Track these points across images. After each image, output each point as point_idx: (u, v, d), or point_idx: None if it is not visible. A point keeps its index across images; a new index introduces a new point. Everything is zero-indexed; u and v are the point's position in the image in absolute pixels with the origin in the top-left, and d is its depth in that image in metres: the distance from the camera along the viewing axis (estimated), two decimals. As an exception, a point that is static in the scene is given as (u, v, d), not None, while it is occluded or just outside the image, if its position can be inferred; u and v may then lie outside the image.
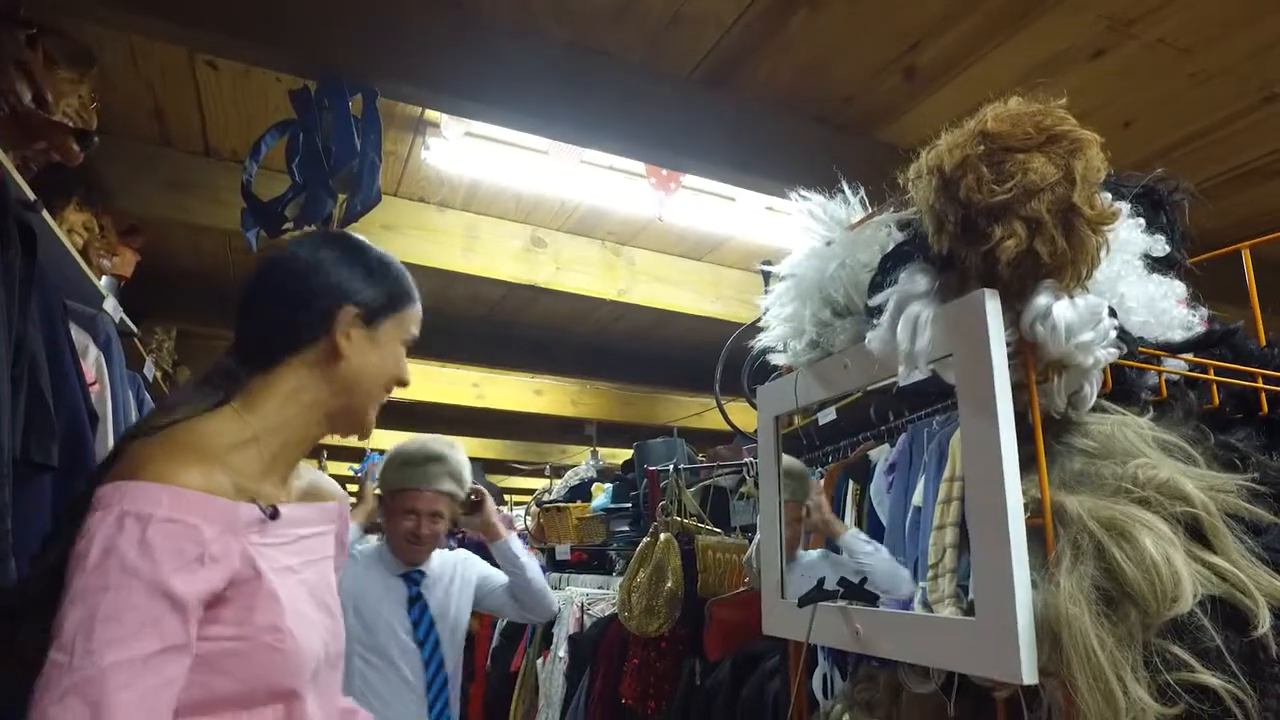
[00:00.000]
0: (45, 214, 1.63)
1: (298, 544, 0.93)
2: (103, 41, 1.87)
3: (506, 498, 6.71)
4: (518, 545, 2.10)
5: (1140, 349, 0.92)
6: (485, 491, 2.11)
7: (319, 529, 1.01)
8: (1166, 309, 0.96)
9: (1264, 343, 1.14)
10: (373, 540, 2.20)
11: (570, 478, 3.93)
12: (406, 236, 2.69)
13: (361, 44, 1.64)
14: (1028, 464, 0.85)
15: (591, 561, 3.45)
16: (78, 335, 1.70)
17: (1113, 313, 0.89)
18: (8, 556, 1.09)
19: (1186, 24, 1.81)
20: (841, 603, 1.06)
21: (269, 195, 1.75)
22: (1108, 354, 0.85)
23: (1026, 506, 0.83)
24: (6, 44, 1.49)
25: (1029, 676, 0.76)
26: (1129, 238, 0.95)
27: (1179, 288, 1.00)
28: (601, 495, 3.33)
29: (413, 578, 2.05)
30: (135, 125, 2.28)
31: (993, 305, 0.85)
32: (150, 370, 2.99)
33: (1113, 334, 0.85)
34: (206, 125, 2.30)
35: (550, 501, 3.78)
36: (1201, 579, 0.77)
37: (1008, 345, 0.87)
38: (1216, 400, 0.98)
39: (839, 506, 1.70)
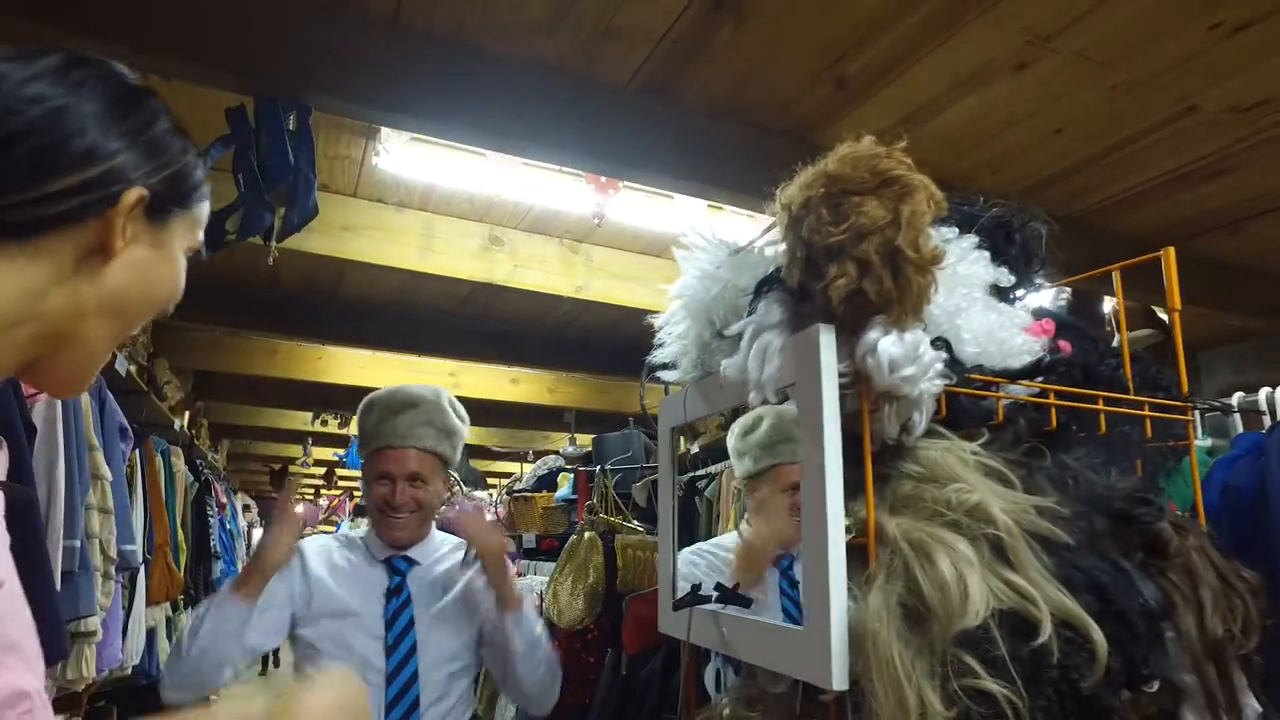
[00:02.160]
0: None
1: None
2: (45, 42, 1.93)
3: (489, 481, 6.81)
4: (533, 618, 1.61)
5: (975, 376, 0.99)
6: (502, 549, 1.61)
7: None
8: (1007, 338, 1.02)
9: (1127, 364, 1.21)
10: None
11: (539, 467, 4.02)
12: (365, 237, 2.76)
13: (295, 62, 1.69)
14: (861, 487, 0.93)
15: (557, 550, 3.55)
16: None
17: (946, 344, 0.96)
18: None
19: (1105, 38, 1.86)
20: (715, 606, 1.14)
21: (224, 199, 1.81)
22: (932, 385, 0.92)
23: (852, 527, 0.90)
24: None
25: (839, 683, 0.84)
26: (970, 272, 1.02)
27: (1023, 316, 1.07)
28: (564, 486, 3.42)
29: (396, 565, 1.65)
30: (92, 131, 2.33)
31: (826, 339, 0.92)
32: (123, 365, 3.06)
33: (938, 366, 0.92)
34: (163, 130, 2.35)
35: (519, 490, 3.87)
36: (1001, 594, 0.85)
37: (845, 376, 0.94)
38: (1055, 423, 1.05)
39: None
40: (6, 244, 0.63)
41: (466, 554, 1.64)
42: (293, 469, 8.08)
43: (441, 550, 1.71)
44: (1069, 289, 2.11)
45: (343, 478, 9.04)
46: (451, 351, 4.10)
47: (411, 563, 1.66)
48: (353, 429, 6.20)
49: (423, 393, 1.67)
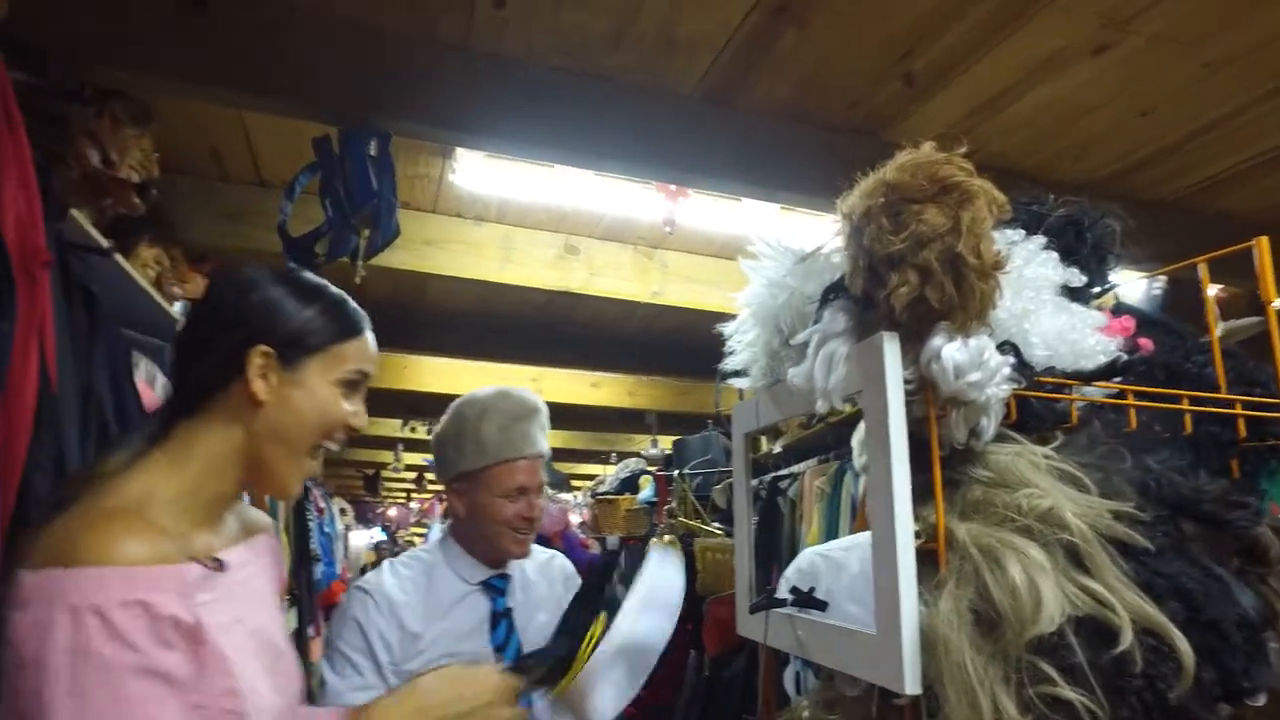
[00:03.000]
0: (118, 257, 1.86)
1: (239, 590, 0.88)
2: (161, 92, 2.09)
3: (573, 484, 6.93)
4: None
5: (1046, 379, 0.98)
6: None
7: (255, 568, 0.95)
8: (1079, 340, 1.00)
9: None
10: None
11: (621, 469, 4.08)
12: (447, 251, 2.87)
13: (374, 92, 1.79)
14: (930, 492, 0.93)
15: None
16: (147, 367, 1.92)
17: (1013, 348, 0.96)
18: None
19: (1185, 18, 1.79)
20: (792, 610, 1.15)
21: (313, 220, 1.92)
22: (999, 390, 0.91)
23: (922, 532, 0.91)
24: (76, 118, 1.69)
25: (911, 687, 0.85)
26: (1038, 274, 1.01)
27: (1096, 316, 1.04)
28: (646, 488, 3.46)
29: (493, 585, 1.49)
30: (195, 164, 2.51)
31: (890, 347, 0.93)
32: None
33: (1005, 370, 0.92)
34: (257, 160, 2.51)
35: (603, 494, 3.94)
36: (1077, 600, 0.84)
37: (911, 382, 0.94)
38: (1134, 423, 1.03)
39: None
40: (194, 418, 0.88)
41: None
42: (384, 474, 8.40)
43: (520, 560, 1.57)
44: (1163, 279, 2.03)
45: (432, 482, 9.34)
46: (532, 358, 4.20)
47: (507, 579, 1.53)
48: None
49: (531, 397, 1.55)
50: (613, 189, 2.60)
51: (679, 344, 4.34)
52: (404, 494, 12.05)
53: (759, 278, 1.28)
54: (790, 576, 1.33)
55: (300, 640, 3.56)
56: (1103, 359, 1.03)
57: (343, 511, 7.48)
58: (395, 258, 2.77)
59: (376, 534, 11.42)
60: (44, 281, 1.17)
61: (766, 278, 1.28)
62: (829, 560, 1.68)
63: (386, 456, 7.61)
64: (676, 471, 2.20)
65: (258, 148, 2.43)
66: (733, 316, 1.35)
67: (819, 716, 1.23)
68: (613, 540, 3.60)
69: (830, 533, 1.73)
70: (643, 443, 6.28)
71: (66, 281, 1.38)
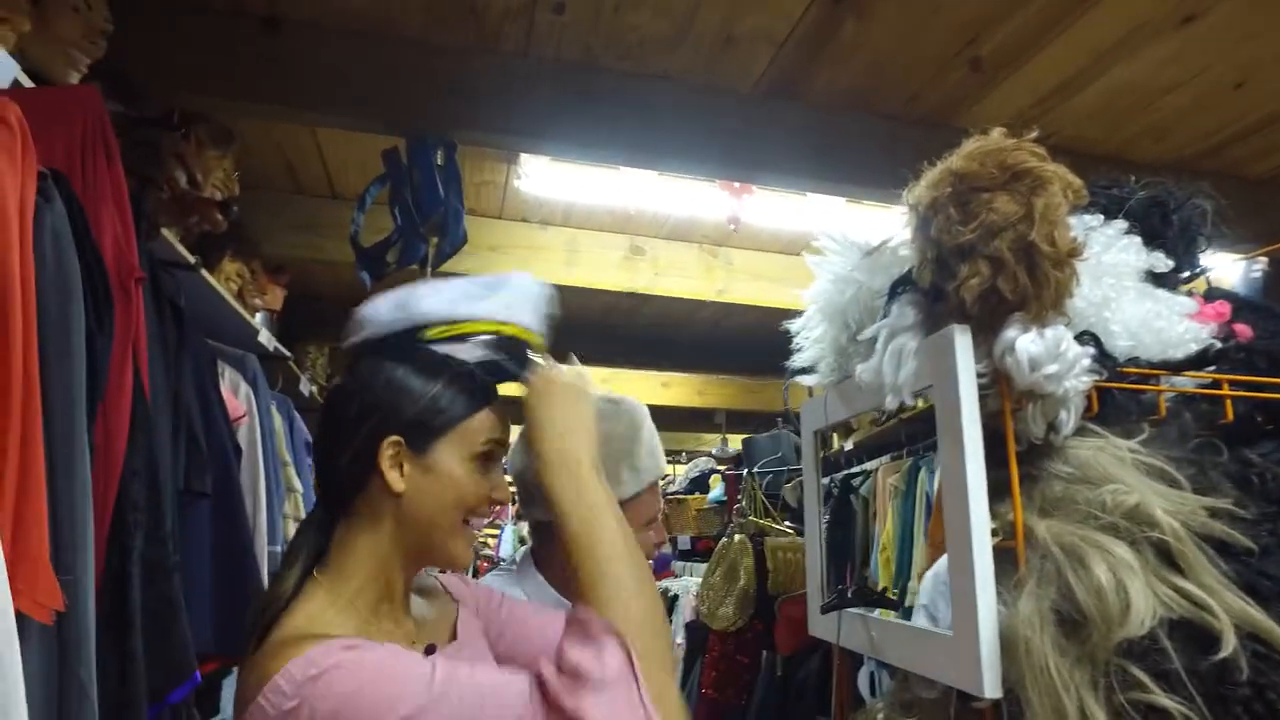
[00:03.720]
0: (204, 272, 1.96)
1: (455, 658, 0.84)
2: (240, 114, 2.18)
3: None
4: None
5: (1130, 370, 0.94)
6: None
7: (452, 626, 0.96)
8: (1165, 327, 0.95)
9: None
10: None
11: (691, 469, 4.07)
12: (512, 256, 2.91)
13: (438, 103, 1.83)
14: (1008, 489, 0.90)
15: (712, 551, 3.58)
16: (231, 375, 2.01)
17: (1093, 338, 0.92)
18: (173, 571, 1.35)
19: (1282, -19, 1.68)
20: (864, 610, 1.13)
21: (383, 230, 1.98)
22: (1078, 382, 0.88)
23: (999, 530, 0.88)
24: (166, 142, 1.79)
25: (991, 690, 0.82)
26: (1118, 260, 0.96)
27: (1185, 302, 0.99)
28: (716, 488, 3.44)
29: None
30: (271, 179, 2.61)
31: (962, 340, 0.90)
32: (306, 386, 3.39)
33: (1084, 362, 0.88)
34: (330, 172, 2.60)
35: (672, 493, 3.94)
36: (1170, 602, 0.80)
37: (984, 376, 0.91)
38: (1230, 414, 0.97)
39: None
40: (349, 519, 0.87)
41: None
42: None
43: None
44: (1263, 260, 1.92)
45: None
46: (601, 359, 4.22)
47: None
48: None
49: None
50: (676, 189, 2.60)
51: (747, 342, 4.30)
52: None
53: (825, 273, 1.26)
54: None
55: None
56: (1194, 347, 0.98)
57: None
58: (463, 264, 2.81)
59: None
60: (138, 298, 1.23)
61: (833, 273, 1.26)
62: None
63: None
64: (746, 470, 2.18)
65: (330, 161, 2.51)
66: (799, 313, 1.33)
67: (894, 718, 1.21)
68: (684, 540, 3.59)
69: (905, 531, 1.68)
70: (712, 442, 6.25)
71: (157, 296, 1.45)
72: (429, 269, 1.92)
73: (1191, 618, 0.79)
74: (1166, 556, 0.83)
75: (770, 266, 3.16)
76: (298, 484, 2.46)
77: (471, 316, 0.93)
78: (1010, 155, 0.91)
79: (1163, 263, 0.99)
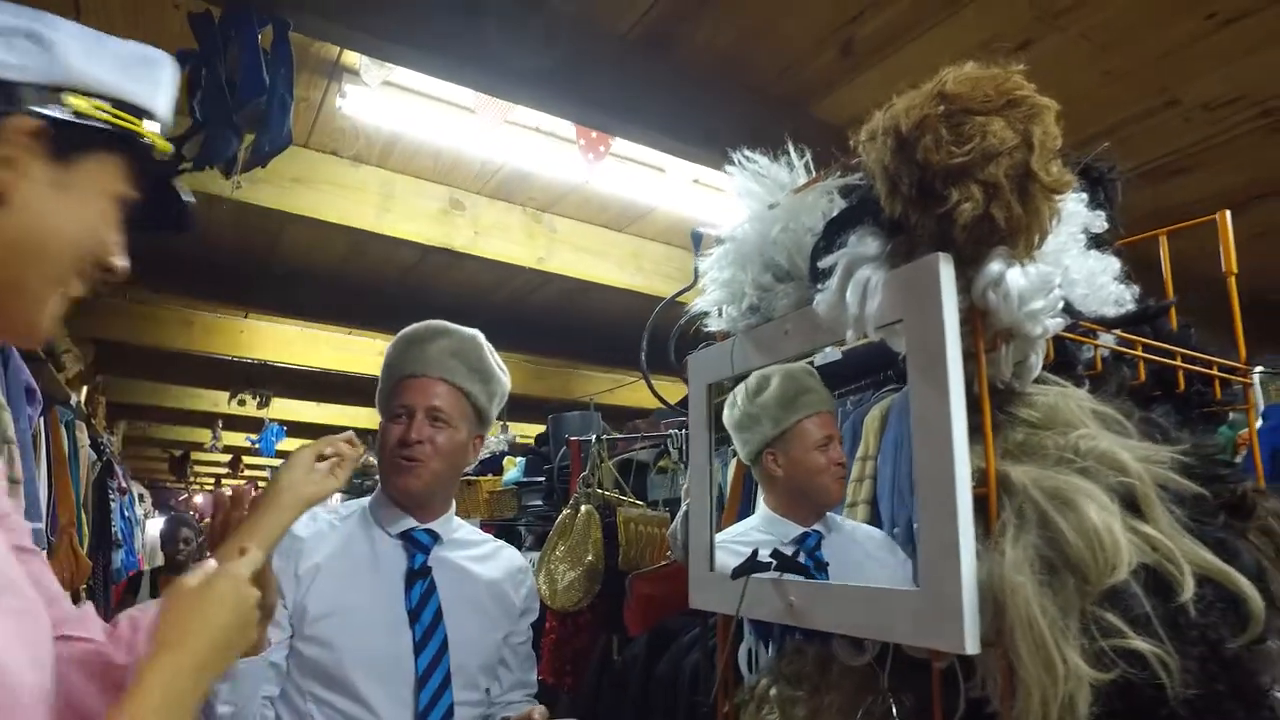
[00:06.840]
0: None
1: None
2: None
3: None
4: None
5: (1083, 323, 0.93)
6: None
7: None
8: (1104, 284, 0.97)
9: (1175, 326, 1.18)
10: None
11: (481, 451, 3.84)
12: (318, 191, 2.54)
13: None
14: (972, 434, 0.84)
15: (500, 536, 3.38)
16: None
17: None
18: None
19: (1109, 20, 1.86)
20: (774, 575, 1.04)
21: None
22: (1055, 324, 0.84)
23: (970, 476, 0.82)
24: None
25: (972, 646, 0.75)
26: (1074, 210, 0.96)
27: (1115, 264, 1.01)
28: (514, 469, 3.26)
29: (417, 539, 1.29)
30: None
31: (946, 270, 0.84)
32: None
33: (1060, 304, 0.85)
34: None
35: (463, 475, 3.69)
36: (1135, 548, 0.78)
37: (958, 313, 0.85)
38: (1143, 376, 1.00)
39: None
40: None
41: None
42: (195, 455, 7.52)
43: (460, 532, 1.40)
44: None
45: (250, 466, 8.48)
46: (393, 326, 3.85)
47: (435, 538, 1.31)
48: (272, 411, 5.82)
49: (460, 328, 1.42)
50: (513, 139, 2.39)
51: (551, 322, 4.16)
52: (213, 479, 10.90)
53: (746, 209, 1.17)
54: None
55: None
56: (1118, 307, 1.00)
57: (141, 497, 6.64)
58: (255, 192, 2.41)
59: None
60: None
61: (750, 211, 1.17)
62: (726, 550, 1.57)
63: (201, 435, 6.80)
64: (594, 436, 2.04)
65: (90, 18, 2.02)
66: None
67: (787, 692, 1.13)
68: (472, 523, 3.36)
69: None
70: (491, 430, 6.01)
71: None
72: (237, 172, 1.58)
73: (1153, 563, 0.78)
74: (1129, 502, 0.81)
75: (594, 239, 3.03)
76: (13, 434, 1.94)
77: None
78: (1006, 81, 0.86)
79: (1100, 223, 1.00)
